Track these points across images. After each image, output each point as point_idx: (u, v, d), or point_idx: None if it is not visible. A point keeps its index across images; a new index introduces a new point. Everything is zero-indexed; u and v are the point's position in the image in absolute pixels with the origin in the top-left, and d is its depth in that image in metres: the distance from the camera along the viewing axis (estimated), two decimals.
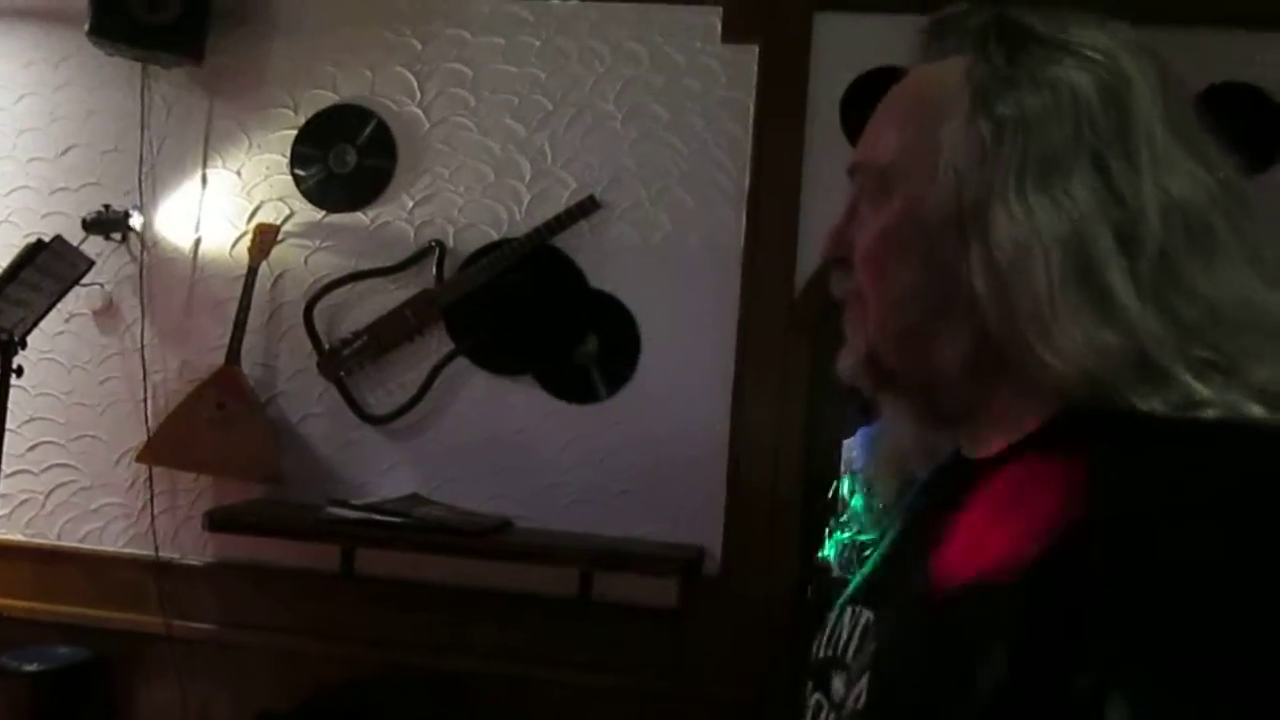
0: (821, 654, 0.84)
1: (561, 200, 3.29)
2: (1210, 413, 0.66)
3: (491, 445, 3.29)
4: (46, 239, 2.90)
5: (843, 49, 3.22)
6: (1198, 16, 2.98)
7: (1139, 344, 0.68)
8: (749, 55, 3.28)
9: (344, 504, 3.08)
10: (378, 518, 3.03)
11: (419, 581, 3.27)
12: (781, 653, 3.08)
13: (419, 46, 3.42)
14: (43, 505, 3.50)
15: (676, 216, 3.27)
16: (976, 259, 0.74)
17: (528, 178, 3.34)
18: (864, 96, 3.18)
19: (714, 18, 3.29)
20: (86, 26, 3.26)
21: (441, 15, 3.42)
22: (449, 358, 3.29)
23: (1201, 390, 0.66)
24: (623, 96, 3.33)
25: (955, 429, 0.83)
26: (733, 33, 3.29)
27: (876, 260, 0.82)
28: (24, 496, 3.48)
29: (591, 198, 3.25)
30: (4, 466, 2.98)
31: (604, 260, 3.27)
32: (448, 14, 3.42)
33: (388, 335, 3.30)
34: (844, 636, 0.82)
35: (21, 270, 2.69)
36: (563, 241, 3.28)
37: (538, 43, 3.39)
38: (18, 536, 3.44)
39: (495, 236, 3.32)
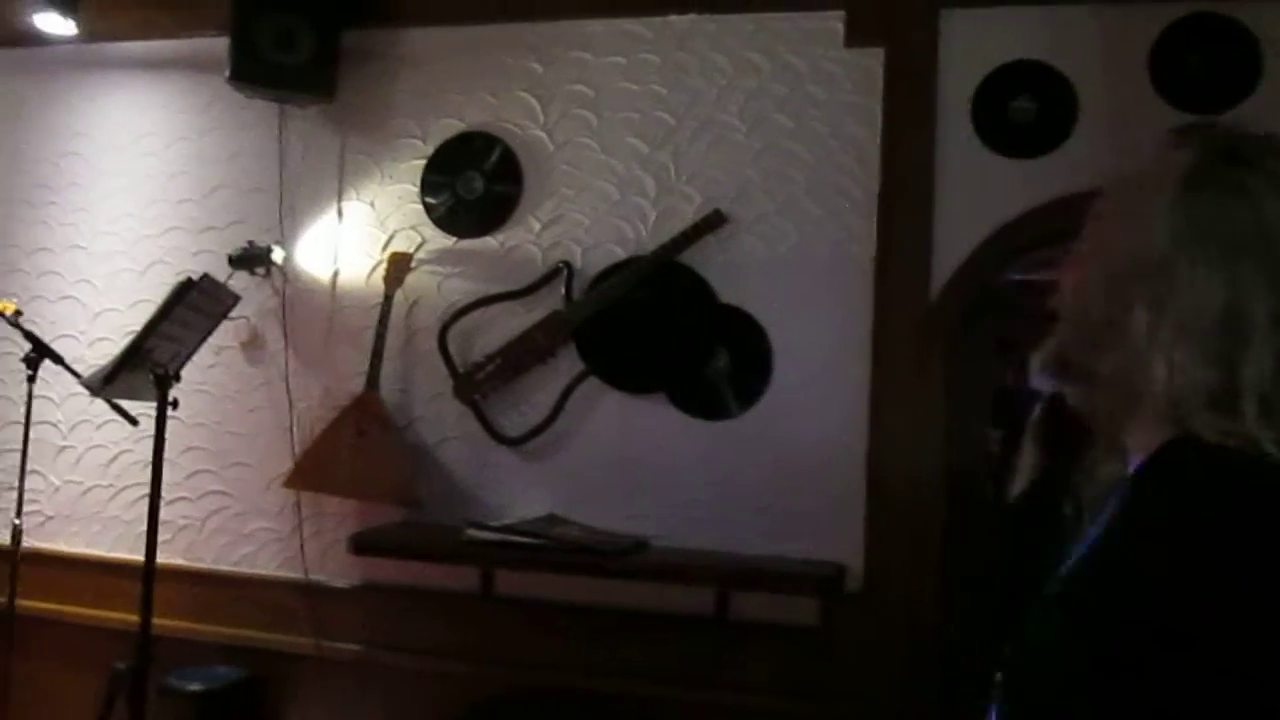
0: None
1: (687, 216, 3.27)
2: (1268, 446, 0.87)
3: (625, 464, 3.28)
4: (196, 277, 3.03)
5: (972, 46, 3.12)
6: None
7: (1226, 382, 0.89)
8: (874, 59, 3.20)
9: (482, 526, 3.11)
10: (515, 539, 3.06)
11: (557, 602, 3.27)
12: (928, 671, 2.97)
13: (540, 70, 3.45)
14: (200, 530, 3.66)
15: (805, 227, 3.20)
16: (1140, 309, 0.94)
17: (653, 195, 3.33)
18: (997, 93, 3.07)
19: (836, 23, 3.23)
20: (227, 73, 3.41)
21: (562, 38, 3.45)
22: (580, 378, 3.30)
23: (1253, 430, 0.87)
24: (746, 108, 3.29)
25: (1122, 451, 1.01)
26: (856, 37, 3.21)
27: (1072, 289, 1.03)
28: (183, 522, 3.64)
29: (717, 212, 3.22)
30: (164, 494, 3.12)
31: (732, 274, 3.23)
32: (568, 37, 3.44)
33: (520, 357, 3.33)
34: None
35: (174, 308, 2.81)
36: (690, 257, 3.25)
37: (658, 59, 3.38)
38: (179, 560, 3.59)
39: (622, 255, 3.32)
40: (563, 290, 3.31)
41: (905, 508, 3.06)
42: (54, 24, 3.63)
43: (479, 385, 3.35)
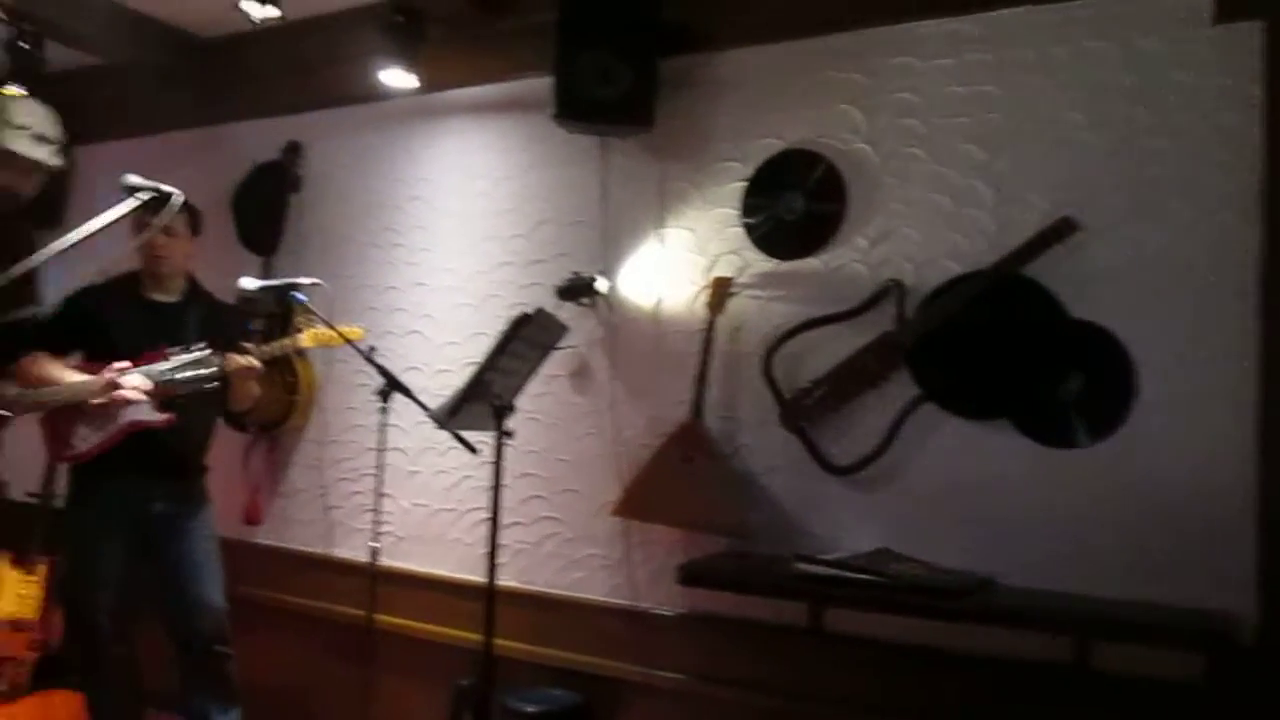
0: None
1: (1030, 225, 2.99)
2: None
3: (966, 496, 3.04)
4: (528, 310, 3.11)
5: None
6: None
7: None
8: (1248, 34, 2.80)
9: (812, 559, 2.98)
10: (847, 575, 2.90)
11: (891, 642, 3.08)
12: None
13: (863, 80, 3.30)
14: (535, 554, 3.77)
15: (1171, 231, 2.84)
16: None
17: (990, 204, 3.08)
18: None
19: None
20: (551, 111, 3.51)
21: (883, 45, 3.28)
22: (915, 403, 3.10)
23: None
24: (1092, 103, 2.98)
25: None
26: (1227, 11, 2.83)
27: None
28: (519, 546, 3.77)
29: (1066, 219, 2.92)
30: (502, 519, 3.23)
31: (1085, 287, 2.92)
32: (890, 43, 3.27)
33: (849, 382, 3.18)
34: None
35: (510, 342, 2.90)
36: (1036, 269, 2.97)
37: (989, 57, 3.14)
38: (514, 583, 3.72)
39: (958, 270, 3.09)
40: (894, 310, 3.13)
41: None
42: (398, 79, 3.90)
43: (806, 412, 3.23)
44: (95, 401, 3.19)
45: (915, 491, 3.12)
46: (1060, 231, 2.92)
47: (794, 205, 3.34)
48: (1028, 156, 3.05)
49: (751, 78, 3.49)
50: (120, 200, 2.65)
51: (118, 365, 2.92)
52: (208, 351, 3.18)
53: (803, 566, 2.97)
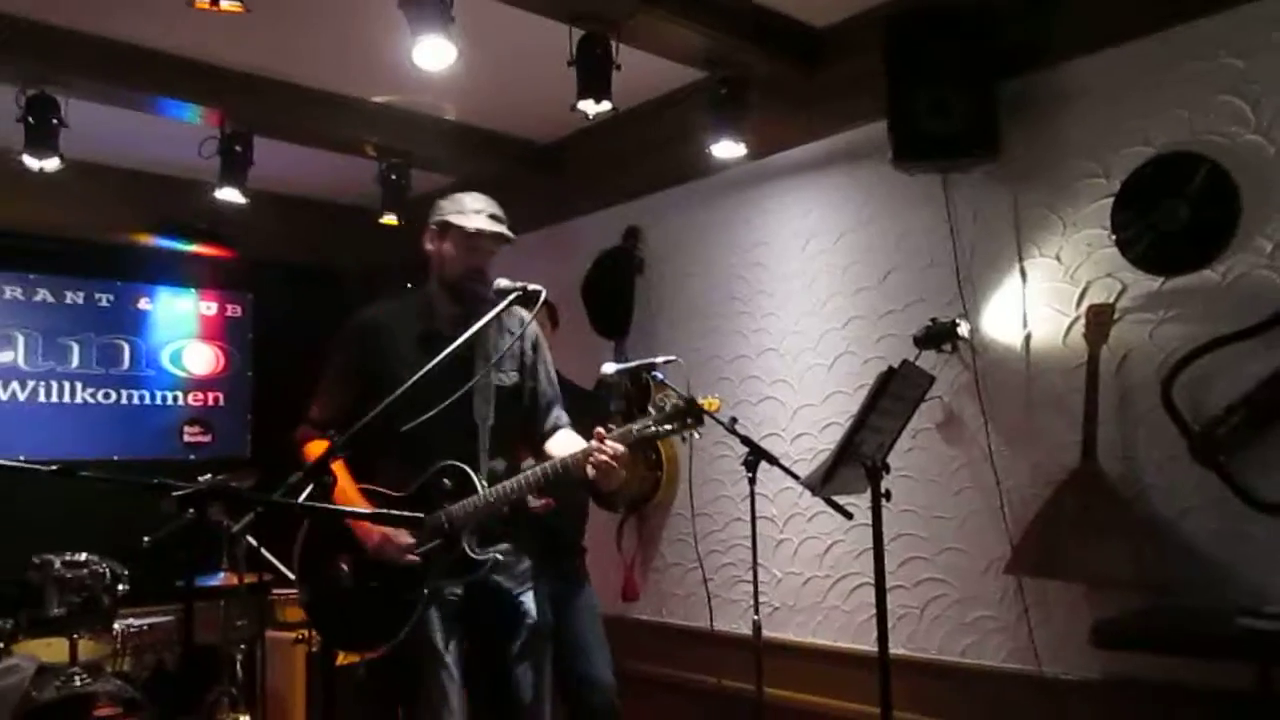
0: None
1: None
2: None
3: None
4: (888, 364, 2.97)
5: None
6: None
7: None
8: None
9: (1259, 613, 2.58)
10: None
11: None
12: None
13: (1240, 65, 2.93)
14: (919, 619, 3.57)
15: None
16: None
17: None
18: None
19: None
20: (889, 156, 3.39)
21: (1257, 22, 2.90)
22: None
23: None
24: None
25: None
26: None
27: None
28: (902, 611, 3.59)
29: None
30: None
31: None
32: (1264, 17, 2.88)
33: (1271, 405, 2.77)
34: None
35: (879, 399, 2.77)
36: None
37: None
38: (901, 650, 3.53)
39: None
40: None
41: None
42: (727, 150, 3.94)
43: (1222, 443, 2.84)
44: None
45: None
46: None
47: (1176, 215, 2.99)
48: None
49: (1102, 85, 3.20)
50: (493, 303, 2.83)
51: (599, 431, 2.99)
52: (677, 399, 3.10)
53: (1248, 622, 2.58)
